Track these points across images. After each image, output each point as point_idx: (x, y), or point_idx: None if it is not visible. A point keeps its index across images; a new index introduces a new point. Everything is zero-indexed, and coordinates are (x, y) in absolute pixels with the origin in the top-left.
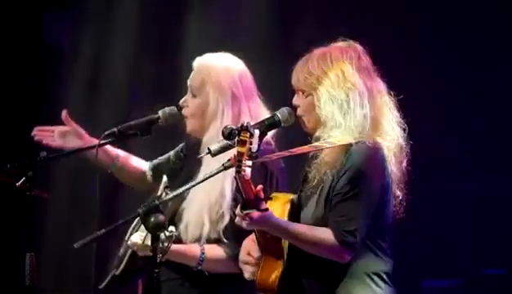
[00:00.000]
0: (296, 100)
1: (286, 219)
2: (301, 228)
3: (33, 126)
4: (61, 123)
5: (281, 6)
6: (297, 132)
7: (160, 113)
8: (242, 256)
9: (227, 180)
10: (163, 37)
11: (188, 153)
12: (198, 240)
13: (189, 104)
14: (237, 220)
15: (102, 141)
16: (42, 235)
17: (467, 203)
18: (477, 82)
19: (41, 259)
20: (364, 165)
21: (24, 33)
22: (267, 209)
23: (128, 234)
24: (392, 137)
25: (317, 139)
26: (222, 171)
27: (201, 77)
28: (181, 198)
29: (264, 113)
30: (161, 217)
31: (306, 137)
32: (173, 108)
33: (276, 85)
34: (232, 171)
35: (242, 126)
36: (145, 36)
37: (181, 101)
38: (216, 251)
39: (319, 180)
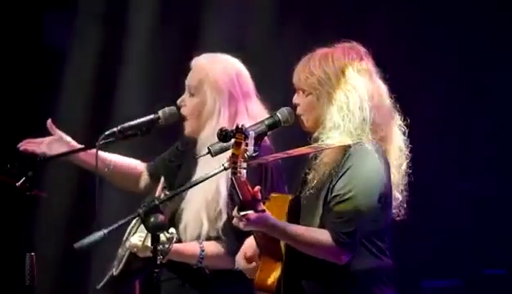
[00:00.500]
0: (296, 99)
1: (285, 220)
2: (299, 229)
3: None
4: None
5: (282, 7)
6: (297, 132)
7: (160, 113)
8: (238, 255)
9: (222, 178)
10: (163, 36)
11: (184, 151)
12: (197, 239)
13: (187, 103)
14: (234, 221)
15: (102, 141)
16: (42, 235)
17: (467, 203)
18: (477, 82)
19: (41, 259)
20: (362, 167)
21: (24, 33)
22: (264, 210)
23: (127, 235)
24: (391, 140)
25: (316, 139)
26: (222, 171)
27: (199, 77)
28: (179, 198)
29: (262, 113)
30: (161, 217)
31: (305, 137)
32: (173, 108)
33: (276, 85)
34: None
35: (237, 128)
36: (145, 36)
37: (178, 100)
38: (215, 248)
39: (318, 181)
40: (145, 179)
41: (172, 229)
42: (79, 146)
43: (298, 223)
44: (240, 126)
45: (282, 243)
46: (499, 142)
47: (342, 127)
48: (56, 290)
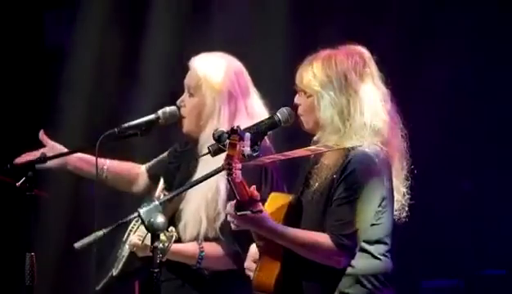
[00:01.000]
0: (297, 99)
1: (283, 221)
2: (297, 232)
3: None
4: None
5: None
6: (296, 132)
7: (160, 113)
8: (248, 263)
9: (222, 178)
10: (163, 37)
11: (183, 152)
12: (196, 239)
13: (186, 103)
14: (229, 218)
15: (102, 141)
16: (42, 235)
17: (467, 203)
18: (478, 82)
19: (41, 259)
20: (363, 171)
21: (24, 33)
22: (261, 211)
23: (126, 235)
24: (393, 144)
25: (316, 142)
26: (221, 170)
27: (198, 77)
28: (179, 198)
29: (262, 111)
30: (161, 217)
31: (304, 137)
32: (173, 107)
33: (276, 84)
34: None
35: (232, 129)
36: (145, 36)
37: (178, 101)
38: (215, 249)
39: (320, 185)
40: (144, 180)
41: (171, 228)
42: (71, 156)
43: (299, 226)
44: (235, 128)
45: None
46: (499, 142)
47: (342, 131)
48: (56, 290)
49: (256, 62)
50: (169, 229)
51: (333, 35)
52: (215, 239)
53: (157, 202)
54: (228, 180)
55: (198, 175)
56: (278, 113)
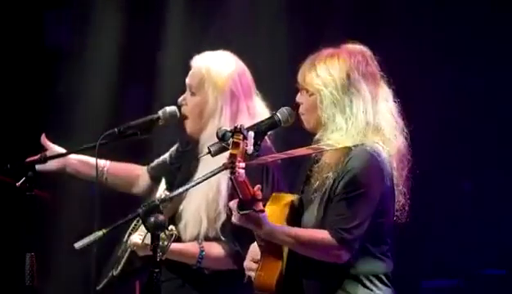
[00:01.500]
0: (299, 98)
1: (285, 221)
2: (296, 230)
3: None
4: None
5: (287, 6)
6: (296, 132)
7: (160, 113)
8: (247, 262)
9: (223, 178)
10: (164, 36)
11: (185, 151)
12: (196, 239)
13: (188, 102)
14: (233, 218)
15: (102, 142)
16: (42, 235)
17: (467, 203)
18: (478, 82)
19: (41, 259)
20: (363, 169)
21: (24, 32)
22: (263, 210)
23: (127, 235)
24: (393, 144)
25: (317, 141)
26: (222, 170)
27: (200, 76)
28: (180, 197)
29: (263, 112)
30: (161, 217)
31: (305, 137)
32: (173, 107)
33: (277, 85)
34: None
35: (236, 128)
36: (145, 36)
37: (179, 100)
38: (215, 249)
39: (320, 183)
40: (145, 181)
41: (171, 227)
42: (69, 157)
43: (300, 225)
44: (238, 127)
45: None
46: (500, 142)
47: (344, 130)
48: (56, 290)
49: (256, 62)
50: (169, 228)
51: (335, 34)
52: (215, 239)
53: (157, 202)
54: (231, 179)
55: (199, 175)
56: (278, 113)
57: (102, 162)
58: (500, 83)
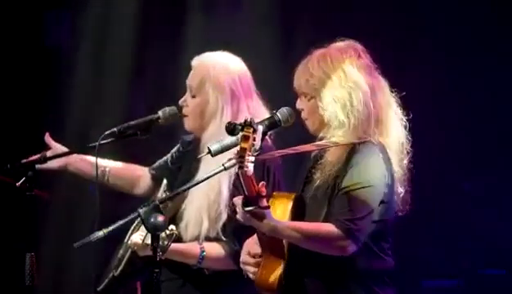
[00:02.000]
0: (299, 104)
1: (288, 219)
2: (301, 224)
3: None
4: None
5: (283, 7)
6: (296, 132)
7: (160, 112)
8: (243, 256)
9: (224, 179)
10: (164, 36)
11: (186, 151)
12: (197, 239)
13: (188, 103)
14: (238, 216)
15: (102, 141)
16: (42, 235)
17: (468, 203)
18: (478, 82)
19: (41, 259)
20: (367, 164)
21: (23, 32)
22: (268, 207)
23: (128, 235)
24: (393, 135)
25: (321, 139)
26: (222, 171)
27: (200, 77)
28: (181, 198)
29: (263, 112)
30: (161, 217)
31: (305, 137)
32: (174, 108)
33: (278, 85)
34: (229, 170)
35: (246, 121)
36: (146, 36)
37: (180, 101)
38: (215, 249)
39: (323, 181)
40: (146, 182)
41: (172, 226)
42: (73, 156)
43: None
44: (249, 120)
45: (285, 241)
46: (500, 142)
47: (347, 124)
48: (56, 290)
49: (256, 62)
50: (170, 228)
51: (335, 34)
52: (216, 239)
53: (157, 202)
54: (238, 174)
55: (199, 175)
56: (278, 113)
57: (104, 163)
58: (500, 83)
